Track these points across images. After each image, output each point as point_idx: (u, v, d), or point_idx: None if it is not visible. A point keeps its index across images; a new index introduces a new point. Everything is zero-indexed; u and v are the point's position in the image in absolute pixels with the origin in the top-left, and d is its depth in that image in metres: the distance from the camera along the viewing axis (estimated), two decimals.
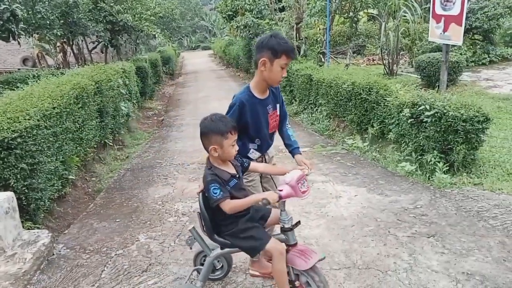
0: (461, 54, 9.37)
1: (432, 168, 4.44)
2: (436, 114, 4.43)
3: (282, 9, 12.15)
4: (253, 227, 2.30)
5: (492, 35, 10.67)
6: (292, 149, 2.64)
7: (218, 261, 2.70)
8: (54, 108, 4.27)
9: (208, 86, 14.36)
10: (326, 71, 7.72)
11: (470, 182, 4.12)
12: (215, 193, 2.17)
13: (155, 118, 9.85)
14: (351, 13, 9.66)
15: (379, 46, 10.28)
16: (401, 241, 3.15)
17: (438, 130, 4.42)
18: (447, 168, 4.36)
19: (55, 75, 6.87)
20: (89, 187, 5.07)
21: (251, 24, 12.84)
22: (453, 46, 8.83)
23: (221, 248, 2.42)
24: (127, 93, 8.21)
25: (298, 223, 2.33)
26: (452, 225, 3.32)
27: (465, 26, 10.07)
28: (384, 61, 9.94)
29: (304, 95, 8.31)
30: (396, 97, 5.26)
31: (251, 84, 2.50)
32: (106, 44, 10.59)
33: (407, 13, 9.16)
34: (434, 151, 4.50)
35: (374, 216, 3.60)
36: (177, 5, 18.48)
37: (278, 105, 2.61)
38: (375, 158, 5.31)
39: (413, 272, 2.75)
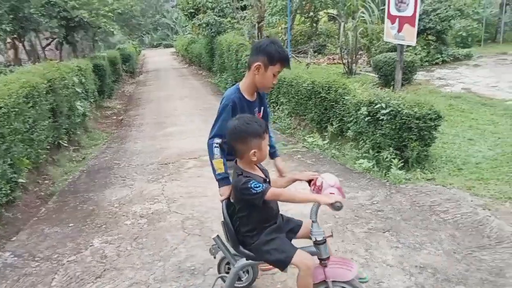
0: (416, 54, 9.72)
1: (388, 165, 4.56)
2: (391, 112, 4.56)
3: (244, 8, 12.14)
4: (276, 238, 2.13)
5: (445, 36, 11.15)
6: (273, 151, 2.60)
7: (243, 272, 2.46)
8: (0, 108, 4.03)
9: (170, 85, 14.11)
10: (287, 70, 7.76)
11: (423, 178, 4.28)
12: (258, 187, 2.00)
13: (114, 117, 9.55)
14: (311, 13, 9.80)
15: (339, 46, 10.49)
16: (358, 237, 3.21)
17: (393, 127, 4.55)
18: (402, 164, 4.50)
19: (3, 73, 6.50)
20: (42, 190, 4.83)
21: (213, 22, 12.74)
22: (408, 46, 9.18)
23: (246, 259, 2.24)
24: (84, 92, 7.90)
25: (331, 235, 2.21)
26: (407, 219, 3.43)
27: (419, 27, 10.48)
28: (344, 61, 10.15)
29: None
30: (354, 95, 5.36)
31: (241, 85, 2.45)
32: (61, 41, 10.14)
33: (365, 14, 9.39)
34: (390, 148, 4.64)
35: (333, 213, 3.65)
36: (137, 2, 18.00)
37: (262, 108, 2.57)
38: (334, 155, 5.40)
39: (369, 267, 2.82)
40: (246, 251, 2.18)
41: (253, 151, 2.06)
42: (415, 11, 4.91)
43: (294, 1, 8.77)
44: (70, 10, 9.39)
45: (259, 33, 10.10)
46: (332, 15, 11.30)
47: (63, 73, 6.63)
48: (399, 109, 4.49)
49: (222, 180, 2.32)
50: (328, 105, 5.94)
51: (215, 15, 12.95)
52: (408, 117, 4.39)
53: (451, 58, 11.07)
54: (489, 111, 6.50)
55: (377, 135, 4.79)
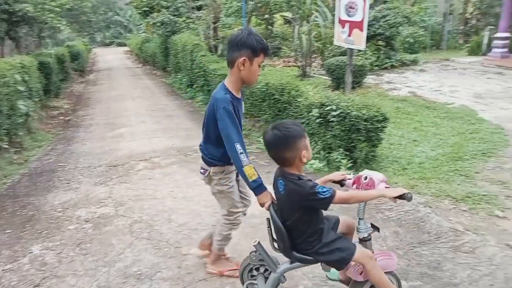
0: (366, 58, 10.07)
1: (338, 165, 4.68)
2: (341, 114, 4.68)
3: (199, 8, 12.02)
4: (337, 238, 2.11)
5: (393, 42, 11.66)
6: None
7: (283, 276, 2.30)
8: None
9: (122, 84, 13.68)
10: None
11: None
12: (325, 191, 1.93)
13: (61, 118, 9.09)
14: (266, 15, 9.88)
15: (294, 49, 10.66)
16: None
17: (343, 129, 4.67)
18: (352, 164, 4.64)
19: None
20: None
21: (167, 21, 12.51)
22: (359, 50, 9.51)
23: (291, 263, 2.18)
24: (27, 90, 7.46)
25: (377, 229, 2.26)
26: (354, 217, 3.52)
27: (369, 33, 10.87)
28: (298, 63, 10.32)
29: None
30: (306, 98, 5.46)
31: (227, 84, 2.36)
32: (1, 36, 9.53)
33: (318, 18, 9.60)
34: (340, 148, 4.76)
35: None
36: None
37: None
38: None
39: None
40: (301, 256, 2.11)
41: (303, 152, 2.01)
42: (363, 17, 5.08)
43: (249, 3, 8.80)
44: (13, 3, 8.86)
45: (214, 34, 10.03)
46: (287, 18, 11.46)
47: (3, 70, 6.22)
48: (348, 111, 4.62)
49: (259, 187, 2.23)
50: (282, 106, 6.01)
51: (169, 14, 12.73)
52: (357, 119, 4.53)
53: (399, 63, 11.59)
54: (432, 114, 6.85)
55: (328, 136, 4.90)
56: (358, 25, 5.17)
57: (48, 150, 6.39)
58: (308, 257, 2.11)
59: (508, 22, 11.97)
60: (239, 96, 2.42)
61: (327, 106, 4.87)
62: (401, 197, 2.02)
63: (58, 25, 10.63)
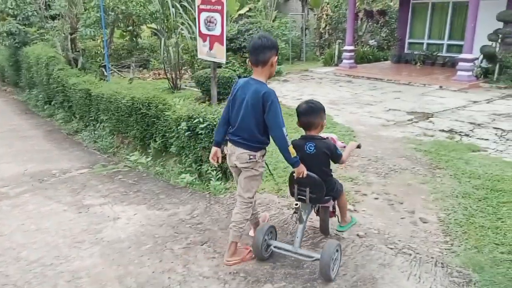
0: (234, 70, 10.45)
1: (209, 177, 4.72)
2: (208, 126, 4.74)
3: (54, 17, 10.98)
4: (336, 179, 3.26)
5: None
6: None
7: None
8: None
9: None
10: (106, 85, 7.34)
11: None
12: (338, 150, 3.04)
13: None
14: (130, 27, 9.51)
15: (162, 61, 10.49)
16: (176, 254, 3.19)
17: (211, 140, 4.72)
18: (222, 175, 4.72)
19: None
20: None
21: (16, 31, 11.12)
22: (227, 62, 9.83)
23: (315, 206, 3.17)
24: None
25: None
26: (223, 229, 3.57)
27: (236, 46, 11.33)
28: (168, 76, 10.18)
29: (84, 111, 7.67)
30: (174, 111, 5.40)
31: (263, 79, 2.87)
32: None
33: (184, 30, 9.62)
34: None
35: (152, 233, 3.54)
36: None
37: None
38: (158, 172, 5.30)
39: (186, 283, 2.81)
40: (328, 197, 3.04)
41: (324, 121, 3.05)
42: (222, 31, 5.24)
43: (109, 13, 8.34)
44: None
45: (72, 45, 9.25)
46: (154, 30, 11.23)
47: None
48: (215, 122, 4.70)
49: (298, 161, 2.85)
50: (150, 121, 5.83)
51: (18, 23, 11.34)
52: None
53: None
54: (294, 120, 7.38)
55: (198, 148, 4.91)
56: (218, 39, 5.32)
57: None
58: (331, 196, 3.09)
59: (352, 36, 13.74)
60: None
61: (194, 119, 4.89)
62: (358, 146, 3.33)
63: None
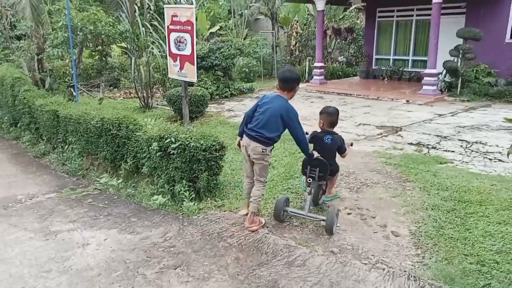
0: (206, 88, 10.47)
1: (182, 198, 4.64)
2: (180, 146, 4.68)
3: (19, 37, 10.73)
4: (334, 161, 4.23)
5: (230, 71, 12.43)
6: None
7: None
8: None
9: None
10: (75, 106, 7.17)
11: (214, 206, 4.51)
12: (345, 146, 4.16)
13: None
14: (99, 47, 9.39)
15: (132, 80, 10.39)
16: (149, 279, 3.10)
17: (184, 160, 4.67)
18: (196, 195, 4.66)
19: None
20: None
21: None
22: (200, 80, 9.85)
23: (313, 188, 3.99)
24: None
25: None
26: (197, 251, 3.51)
27: (208, 64, 11.38)
28: (139, 95, 10.08)
29: (52, 132, 7.45)
30: (145, 131, 5.32)
31: (290, 100, 3.85)
32: None
33: (154, 49, 9.60)
34: (183, 180, 4.74)
35: (124, 258, 3.44)
36: None
37: None
38: (130, 194, 5.19)
39: None
40: (331, 175, 4.15)
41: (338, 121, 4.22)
42: (192, 50, 5.26)
43: (78, 33, 8.22)
44: None
45: (39, 66, 9.04)
46: (124, 49, 11.13)
47: None
48: (187, 142, 4.65)
49: (312, 154, 3.91)
50: (121, 142, 5.72)
51: None
52: (196, 150, 4.59)
53: (238, 92, 12.39)
54: None
55: (170, 169, 4.83)
56: (188, 58, 5.33)
57: None
58: (330, 176, 4.11)
59: (321, 53, 14.07)
60: None
61: (166, 138, 4.83)
62: (351, 144, 4.44)
63: None
